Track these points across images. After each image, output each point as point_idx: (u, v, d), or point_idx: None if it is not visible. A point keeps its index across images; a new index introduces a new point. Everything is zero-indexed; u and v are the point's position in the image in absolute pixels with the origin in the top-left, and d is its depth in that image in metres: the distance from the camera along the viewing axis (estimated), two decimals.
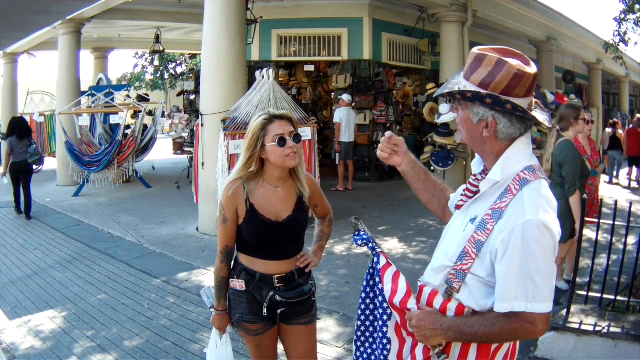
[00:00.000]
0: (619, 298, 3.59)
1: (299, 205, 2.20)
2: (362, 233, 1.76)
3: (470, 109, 1.46)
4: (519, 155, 1.45)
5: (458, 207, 1.59)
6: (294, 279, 2.20)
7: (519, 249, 1.32)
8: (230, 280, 2.22)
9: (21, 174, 7.75)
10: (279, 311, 2.17)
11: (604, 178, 11.78)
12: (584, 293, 3.64)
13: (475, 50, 1.47)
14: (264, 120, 2.11)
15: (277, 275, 2.16)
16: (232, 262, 2.26)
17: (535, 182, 1.41)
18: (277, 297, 2.15)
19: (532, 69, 1.42)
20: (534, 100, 1.46)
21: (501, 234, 1.35)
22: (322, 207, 2.38)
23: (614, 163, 12.06)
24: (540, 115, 1.46)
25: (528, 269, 1.31)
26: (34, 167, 8.09)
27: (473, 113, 1.46)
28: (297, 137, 2.12)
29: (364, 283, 1.70)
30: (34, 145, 8.05)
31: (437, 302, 1.49)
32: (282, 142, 2.08)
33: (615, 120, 13.46)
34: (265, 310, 2.15)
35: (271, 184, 2.17)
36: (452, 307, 1.45)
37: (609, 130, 12.74)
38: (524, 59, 1.45)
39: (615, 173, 12.07)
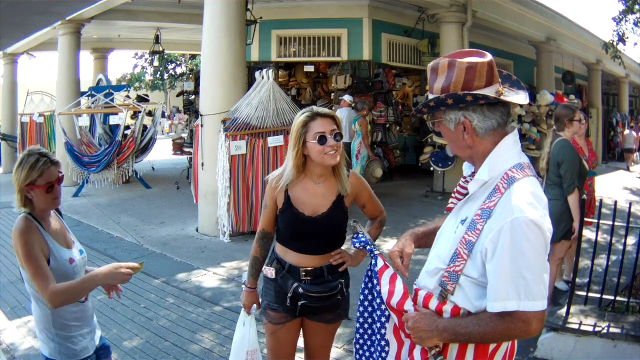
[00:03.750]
0: (618, 298, 3.59)
1: (337, 203, 2.20)
2: (360, 236, 1.77)
3: (444, 119, 1.49)
4: (506, 153, 1.45)
5: (449, 209, 1.60)
6: (322, 274, 2.21)
7: (508, 247, 1.31)
8: (264, 267, 2.29)
9: None
10: (299, 303, 2.18)
11: (636, 173, 13.80)
12: (584, 293, 3.64)
13: (430, 63, 1.52)
14: (306, 117, 2.16)
15: (304, 268, 2.19)
16: (270, 249, 2.33)
17: (524, 179, 1.40)
18: (300, 289, 2.17)
19: (485, 58, 1.44)
20: (502, 86, 1.47)
21: (490, 232, 1.35)
22: (370, 208, 2.37)
23: None
24: (513, 96, 1.47)
25: (518, 267, 1.30)
26: None
27: (447, 121, 1.48)
28: (338, 136, 2.14)
29: (362, 285, 1.71)
30: None
31: (432, 305, 1.48)
32: (322, 139, 2.11)
33: None
34: (288, 300, 2.19)
35: (312, 180, 2.21)
36: (447, 309, 1.45)
37: (636, 134, 15.16)
38: (478, 53, 1.47)
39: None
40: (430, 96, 1.50)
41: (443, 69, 1.46)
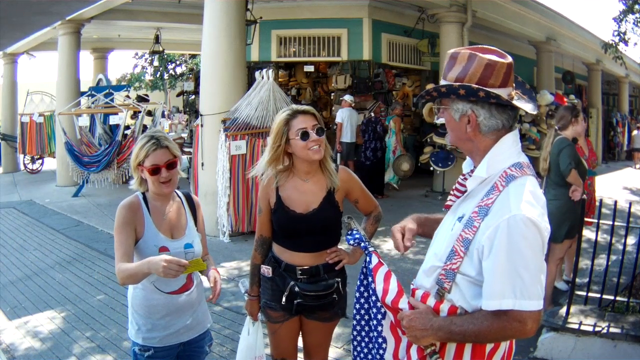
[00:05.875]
0: (618, 298, 3.59)
1: (327, 199, 2.21)
2: (354, 232, 1.77)
3: (450, 107, 1.48)
4: (506, 152, 1.44)
5: (447, 207, 1.59)
6: (318, 273, 2.21)
7: (505, 245, 1.30)
8: (262, 265, 2.30)
9: None
10: (295, 302, 2.19)
11: None
12: (584, 293, 3.64)
13: (451, 50, 1.50)
14: (287, 115, 2.17)
15: (300, 267, 2.19)
16: (269, 251, 2.33)
17: (522, 178, 1.39)
18: (296, 288, 2.18)
19: (505, 59, 1.43)
20: (515, 91, 1.47)
21: (487, 230, 1.34)
22: (363, 203, 2.36)
23: None
24: (524, 104, 1.46)
25: (515, 265, 1.29)
26: None
27: (453, 110, 1.47)
28: (320, 131, 2.15)
29: (358, 282, 1.71)
30: None
31: (430, 304, 1.47)
32: (305, 135, 2.12)
33: None
34: (284, 299, 2.19)
35: (300, 177, 2.23)
36: (444, 308, 1.44)
37: None
38: (499, 52, 1.46)
39: None
40: (443, 82, 1.48)
41: (463, 58, 1.44)
